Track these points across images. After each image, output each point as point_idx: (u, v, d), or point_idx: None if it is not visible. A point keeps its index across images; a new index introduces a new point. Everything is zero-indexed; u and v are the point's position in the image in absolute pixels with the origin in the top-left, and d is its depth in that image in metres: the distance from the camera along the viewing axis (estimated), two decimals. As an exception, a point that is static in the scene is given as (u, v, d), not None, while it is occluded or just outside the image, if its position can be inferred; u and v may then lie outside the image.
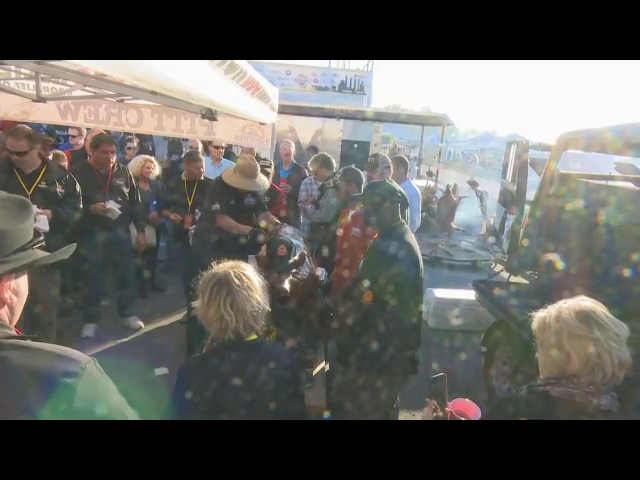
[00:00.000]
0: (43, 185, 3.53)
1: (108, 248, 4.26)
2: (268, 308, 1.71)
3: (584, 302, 1.35)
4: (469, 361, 4.38)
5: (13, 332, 0.99)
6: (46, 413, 0.87)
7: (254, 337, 1.69)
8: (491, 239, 5.99)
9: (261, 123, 4.35)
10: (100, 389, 0.98)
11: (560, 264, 3.48)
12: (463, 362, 4.35)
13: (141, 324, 4.66)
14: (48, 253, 1.05)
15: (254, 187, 3.83)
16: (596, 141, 3.70)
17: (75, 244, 1.12)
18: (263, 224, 3.86)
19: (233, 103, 2.37)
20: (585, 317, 1.29)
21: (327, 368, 3.23)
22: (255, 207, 4.06)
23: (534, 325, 1.42)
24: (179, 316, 4.90)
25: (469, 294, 5.00)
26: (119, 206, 4.18)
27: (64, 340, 3.90)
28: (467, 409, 1.72)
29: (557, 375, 1.33)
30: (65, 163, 4.52)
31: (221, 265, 1.68)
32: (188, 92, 1.73)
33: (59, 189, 3.61)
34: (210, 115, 2.24)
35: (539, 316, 1.41)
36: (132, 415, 1.03)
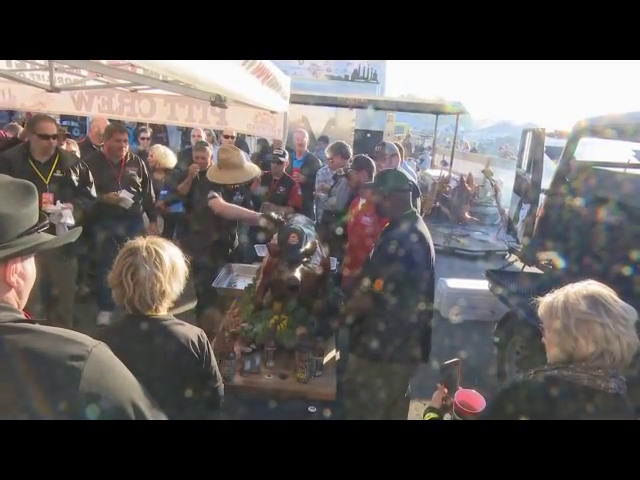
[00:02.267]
0: (58, 174, 3.56)
1: (121, 237, 4.28)
2: (173, 291, 1.69)
3: (591, 286, 1.33)
4: (482, 351, 4.35)
5: (21, 315, 0.99)
6: (52, 397, 0.87)
7: (160, 314, 1.68)
8: (505, 229, 5.93)
9: (272, 112, 4.32)
10: (108, 372, 0.97)
11: (573, 255, 3.42)
12: (475, 352, 4.32)
13: (154, 312, 4.70)
14: (54, 236, 1.05)
15: (244, 178, 3.42)
16: (614, 128, 3.61)
17: (81, 227, 1.13)
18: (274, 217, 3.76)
19: (243, 90, 2.35)
20: (593, 302, 1.28)
21: (338, 357, 3.24)
22: (243, 204, 3.80)
23: (540, 310, 1.40)
24: (191, 305, 4.93)
25: (482, 284, 4.95)
26: (132, 195, 4.21)
27: (80, 327, 3.97)
28: (472, 400, 1.69)
29: (565, 360, 1.31)
30: (75, 149, 4.57)
31: (145, 238, 1.69)
32: (196, 77, 1.73)
33: (74, 177, 3.64)
34: (220, 102, 2.22)
35: (546, 301, 1.39)
36: (141, 399, 1.02)
